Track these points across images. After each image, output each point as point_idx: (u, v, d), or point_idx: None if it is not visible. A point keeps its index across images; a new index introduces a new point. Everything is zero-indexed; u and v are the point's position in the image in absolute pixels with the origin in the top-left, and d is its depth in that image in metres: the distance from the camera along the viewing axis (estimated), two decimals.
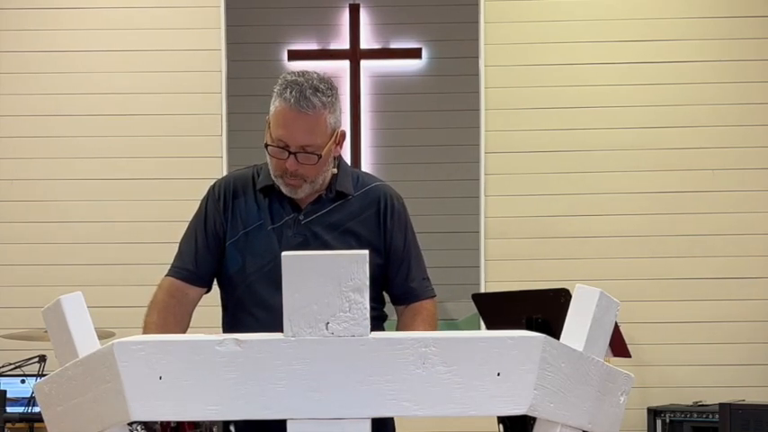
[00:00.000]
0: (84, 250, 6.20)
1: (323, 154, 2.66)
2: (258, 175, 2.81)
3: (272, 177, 2.73)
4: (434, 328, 2.82)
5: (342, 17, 6.37)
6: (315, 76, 2.68)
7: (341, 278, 1.61)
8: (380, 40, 6.37)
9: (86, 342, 1.72)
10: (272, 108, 2.68)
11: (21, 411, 5.35)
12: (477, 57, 6.29)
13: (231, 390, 1.62)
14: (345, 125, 6.26)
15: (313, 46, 6.34)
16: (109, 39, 6.31)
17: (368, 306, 1.62)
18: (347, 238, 2.75)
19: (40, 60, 6.31)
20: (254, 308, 2.72)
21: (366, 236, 2.77)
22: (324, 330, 1.62)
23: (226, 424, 2.80)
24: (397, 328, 2.83)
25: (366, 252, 1.63)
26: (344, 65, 6.32)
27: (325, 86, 2.66)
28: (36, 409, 5.15)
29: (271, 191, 2.78)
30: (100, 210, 6.24)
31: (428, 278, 2.91)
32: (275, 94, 2.67)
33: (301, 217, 2.75)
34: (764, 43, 6.24)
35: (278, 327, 2.60)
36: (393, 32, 6.37)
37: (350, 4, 6.35)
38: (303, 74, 2.68)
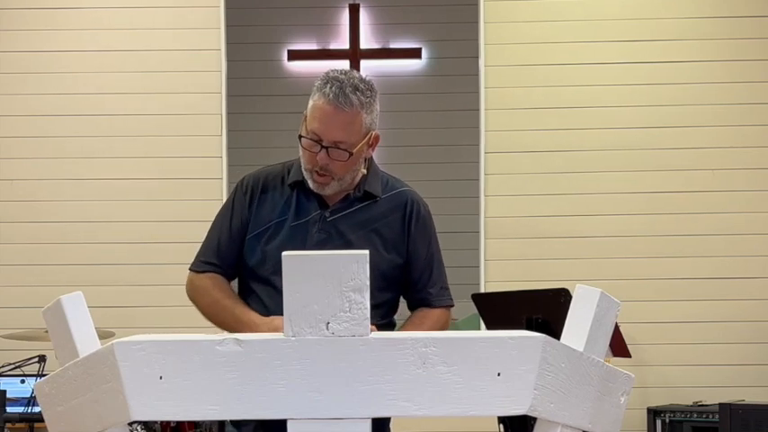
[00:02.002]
0: (84, 250, 6.20)
1: (354, 152, 2.69)
2: (289, 172, 2.84)
3: (302, 171, 2.76)
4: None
5: (342, 17, 6.37)
6: (357, 75, 2.72)
7: (341, 278, 1.61)
8: (380, 40, 6.37)
9: (86, 342, 1.72)
10: (310, 102, 2.71)
11: (21, 411, 5.35)
12: (477, 57, 6.29)
13: (231, 390, 1.62)
14: None
15: (313, 46, 6.35)
16: (109, 39, 6.31)
17: (368, 306, 1.62)
18: (371, 238, 2.77)
19: (39, 60, 6.31)
20: (267, 299, 2.74)
21: (390, 238, 2.79)
22: (324, 330, 1.62)
23: (221, 422, 2.81)
24: (401, 328, 2.84)
25: (366, 252, 1.63)
26: (344, 65, 6.32)
27: (365, 87, 2.70)
28: (36, 409, 5.15)
29: (300, 186, 2.80)
30: (100, 210, 6.24)
31: (447, 287, 2.92)
32: (315, 88, 2.70)
33: (327, 214, 2.77)
34: (765, 43, 6.24)
35: None
36: (393, 32, 6.38)
37: (350, 4, 6.36)
38: (345, 72, 2.72)
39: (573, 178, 6.23)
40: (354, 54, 6.34)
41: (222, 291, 2.80)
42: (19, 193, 6.27)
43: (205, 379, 1.62)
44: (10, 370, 5.31)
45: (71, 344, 1.72)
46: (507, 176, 6.25)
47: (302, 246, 2.71)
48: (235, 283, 2.91)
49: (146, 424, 4.97)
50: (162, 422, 5.07)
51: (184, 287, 2.89)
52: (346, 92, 2.65)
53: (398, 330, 2.80)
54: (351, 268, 1.62)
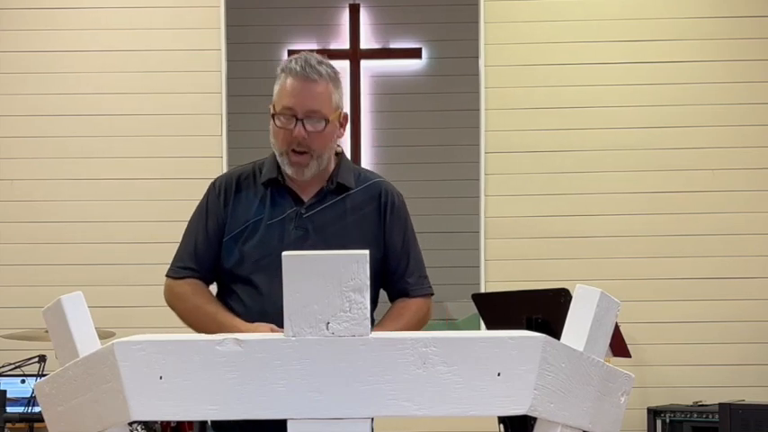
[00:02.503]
0: (84, 250, 6.20)
1: (330, 119, 2.71)
2: (260, 171, 2.83)
3: (278, 159, 2.76)
4: (416, 326, 2.81)
5: (342, 17, 6.37)
6: (317, 55, 2.79)
7: (341, 278, 1.61)
8: (380, 40, 6.37)
9: (87, 342, 1.72)
10: (276, 87, 2.75)
11: (21, 411, 5.35)
12: (477, 57, 6.29)
13: (231, 390, 1.62)
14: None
15: (313, 46, 6.34)
16: (109, 39, 6.31)
17: (368, 306, 1.62)
18: (348, 231, 2.77)
19: (40, 60, 6.31)
20: (247, 298, 2.73)
21: (366, 230, 2.79)
22: (324, 330, 1.62)
23: (202, 423, 2.79)
24: (381, 321, 2.83)
25: (366, 252, 1.63)
26: (344, 65, 6.31)
27: (328, 64, 2.77)
28: (36, 409, 5.15)
29: (274, 184, 2.80)
30: (100, 210, 6.24)
31: (426, 276, 2.91)
32: (280, 71, 2.75)
33: (303, 210, 2.77)
34: (765, 43, 6.24)
35: (268, 316, 2.62)
36: (393, 32, 6.37)
37: (350, 4, 6.35)
38: (306, 52, 2.80)
39: (573, 178, 6.23)
40: (354, 54, 6.34)
41: (203, 297, 2.79)
42: (19, 193, 6.27)
43: (205, 379, 1.62)
44: (10, 370, 5.31)
45: (71, 344, 1.72)
46: (507, 176, 6.25)
47: (280, 243, 2.71)
48: (214, 286, 2.90)
49: (146, 424, 4.97)
50: (162, 422, 5.07)
51: None
52: (312, 63, 2.72)
53: (378, 323, 2.80)
54: (351, 268, 1.61)
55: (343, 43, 6.35)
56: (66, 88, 6.29)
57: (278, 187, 2.79)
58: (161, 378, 1.62)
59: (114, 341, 1.64)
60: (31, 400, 5.28)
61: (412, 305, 2.84)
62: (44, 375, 4.99)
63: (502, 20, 6.29)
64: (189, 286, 2.80)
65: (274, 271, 2.66)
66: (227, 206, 2.81)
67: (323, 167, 2.76)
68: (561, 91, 6.25)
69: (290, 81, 2.71)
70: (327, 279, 1.61)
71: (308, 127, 2.69)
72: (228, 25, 6.33)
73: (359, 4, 6.35)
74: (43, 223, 6.24)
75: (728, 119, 6.23)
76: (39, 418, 5.00)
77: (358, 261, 1.62)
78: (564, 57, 6.27)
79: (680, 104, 6.23)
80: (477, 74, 6.28)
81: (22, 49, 6.32)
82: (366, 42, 6.35)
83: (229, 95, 6.30)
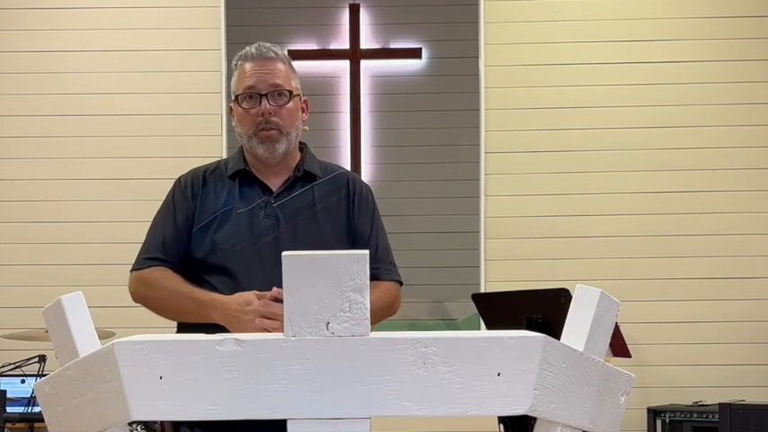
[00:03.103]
0: (84, 250, 6.20)
1: (293, 91, 2.78)
2: (226, 167, 2.87)
3: (247, 144, 2.79)
4: (387, 308, 2.80)
5: (342, 17, 6.37)
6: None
7: (341, 278, 1.61)
8: (380, 40, 6.37)
9: (87, 342, 1.72)
10: (234, 78, 2.84)
11: (21, 411, 5.35)
12: (477, 57, 6.29)
13: (231, 390, 1.62)
14: (345, 125, 6.30)
15: (313, 46, 6.34)
16: (109, 39, 6.31)
17: (368, 306, 1.62)
18: (318, 219, 2.79)
19: (40, 60, 6.32)
20: (221, 286, 2.72)
21: (335, 219, 2.81)
22: (324, 330, 1.62)
23: (176, 424, 2.77)
24: None
25: (366, 252, 1.63)
26: (344, 65, 6.31)
27: (281, 50, 2.86)
28: (36, 409, 5.15)
29: (242, 175, 2.83)
30: (99, 210, 6.24)
31: (395, 264, 2.91)
32: (235, 63, 2.84)
33: (272, 200, 2.79)
34: (765, 43, 6.24)
35: None
36: (393, 32, 6.37)
37: (350, 4, 6.35)
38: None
39: (573, 178, 6.23)
40: (354, 54, 6.34)
41: (176, 280, 2.75)
42: (19, 193, 6.27)
43: (205, 379, 1.62)
44: (10, 370, 5.31)
45: (71, 344, 1.72)
46: (507, 176, 6.25)
47: (251, 232, 2.73)
48: None
49: (146, 424, 4.97)
50: (162, 422, 5.07)
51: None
52: (267, 46, 2.80)
53: None
54: (351, 268, 1.62)
55: (343, 43, 6.35)
56: (66, 88, 6.29)
57: (245, 178, 2.82)
58: (161, 378, 1.62)
59: (114, 341, 1.64)
60: (31, 400, 5.28)
61: (381, 285, 2.81)
62: (44, 375, 4.99)
63: (502, 20, 6.30)
64: (159, 272, 2.78)
65: (248, 258, 2.68)
66: (195, 198, 2.83)
67: (292, 147, 2.80)
68: (561, 91, 6.25)
69: (248, 65, 2.79)
70: (327, 279, 1.61)
71: (272, 102, 2.74)
72: (228, 25, 6.33)
73: (359, 4, 6.35)
74: (44, 223, 6.24)
75: (728, 119, 6.23)
76: (39, 418, 5.00)
77: (358, 261, 1.62)
78: (564, 57, 6.27)
79: (680, 104, 6.23)
80: (477, 74, 6.28)
81: (22, 49, 6.32)
82: (366, 42, 6.35)
83: (229, 95, 6.29)
